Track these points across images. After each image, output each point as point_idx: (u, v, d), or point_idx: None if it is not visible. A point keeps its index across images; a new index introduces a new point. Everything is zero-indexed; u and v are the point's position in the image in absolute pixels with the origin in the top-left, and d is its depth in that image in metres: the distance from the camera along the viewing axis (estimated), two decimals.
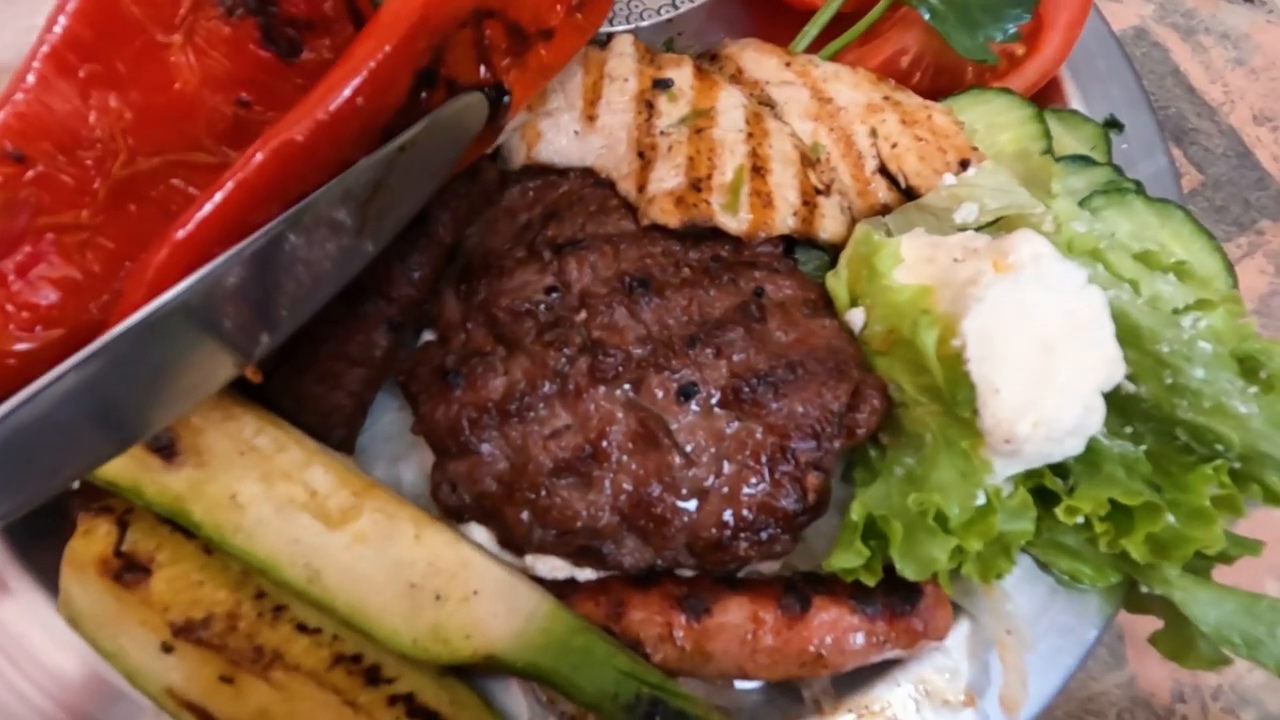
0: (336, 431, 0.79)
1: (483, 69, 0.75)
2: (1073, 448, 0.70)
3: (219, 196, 0.57)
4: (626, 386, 0.75)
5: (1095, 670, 0.90)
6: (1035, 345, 0.68)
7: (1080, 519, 0.71)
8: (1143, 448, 0.78)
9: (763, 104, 0.98)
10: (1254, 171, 1.21)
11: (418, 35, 0.63)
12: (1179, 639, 0.76)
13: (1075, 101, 1.05)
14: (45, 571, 0.69)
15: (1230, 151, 1.22)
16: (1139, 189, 0.93)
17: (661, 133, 0.89)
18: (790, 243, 0.91)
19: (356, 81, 0.59)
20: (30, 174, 0.59)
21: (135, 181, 0.63)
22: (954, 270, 0.75)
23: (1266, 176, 1.21)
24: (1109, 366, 0.68)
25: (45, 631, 0.67)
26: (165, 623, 0.62)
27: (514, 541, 0.76)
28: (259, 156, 0.57)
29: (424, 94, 0.68)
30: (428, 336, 0.86)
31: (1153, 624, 0.78)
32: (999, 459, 0.69)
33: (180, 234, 0.57)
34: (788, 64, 1.00)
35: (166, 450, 0.66)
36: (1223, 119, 1.24)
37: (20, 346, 0.60)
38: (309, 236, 0.58)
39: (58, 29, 0.59)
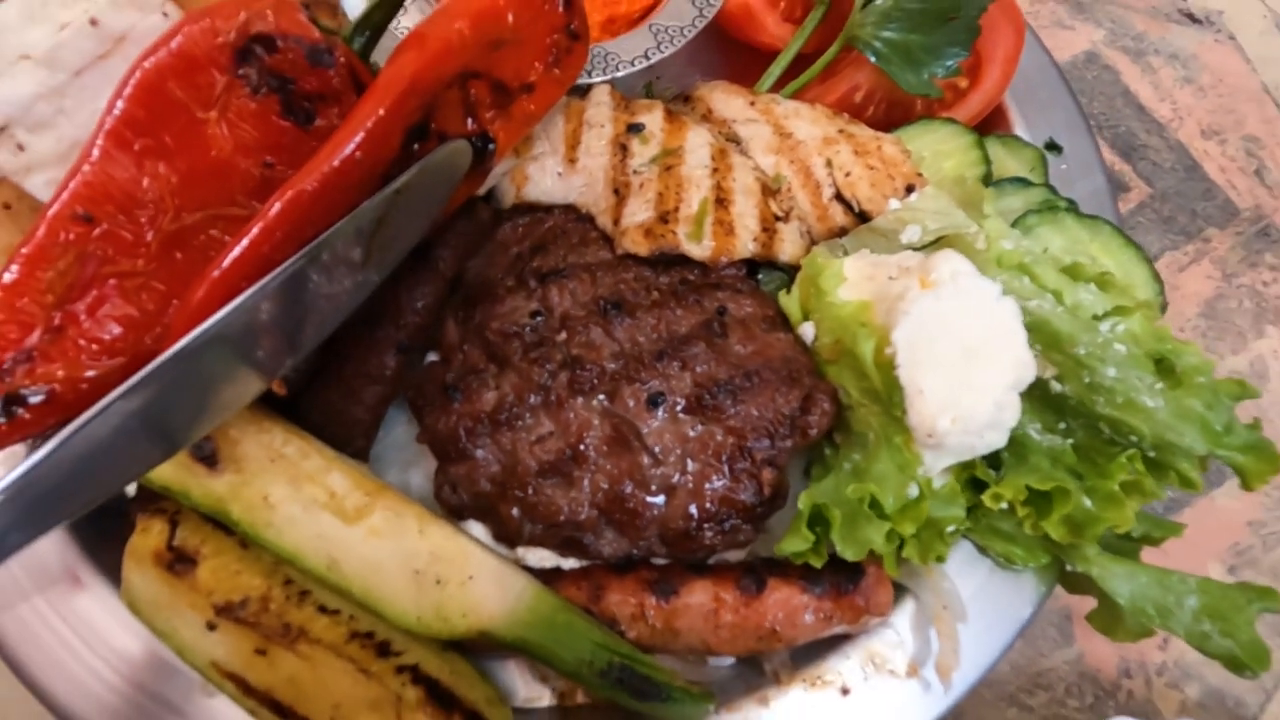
0: (355, 441, 0.91)
1: (470, 121, 0.87)
2: (993, 440, 0.79)
3: (245, 240, 0.69)
4: (602, 397, 0.86)
5: (1045, 648, 0.98)
6: (956, 351, 0.78)
7: (1005, 504, 0.80)
8: (1070, 441, 0.86)
9: (730, 140, 1.09)
10: (1201, 183, 1.29)
11: (408, 98, 0.75)
12: (1108, 614, 0.84)
13: (1019, 127, 1.15)
14: (110, 567, 0.81)
15: (1179, 165, 1.30)
16: (1071, 206, 1.02)
17: (634, 171, 1.01)
18: (753, 265, 1.01)
19: (357, 139, 0.71)
20: (96, 231, 0.72)
21: (181, 234, 0.75)
22: (889, 287, 0.85)
23: (1214, 187, 1.29)
24: (1019, 369, 0.78)
25: (113, 617, 0.79)
26: (209, 605, 0.73)
27: (507, 535, 0.87)
28: (278, 205, 0.69)
29: (416, 145, 0.80)
30: (432, 357, 0.97)
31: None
32: (927, 452, 0.79)
33: (215, 273, 0.69)
34: (752, 103, 1.11)
35: (210, 459, 0.78)
36: (1171, 134, 1.33)
37: (90, 373, 0.72)
38: (324, 269, 0.69)
39: (116, 110, 0.71)
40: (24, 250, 0.71)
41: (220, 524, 0.79)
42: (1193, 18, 1.38)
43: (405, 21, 1.03)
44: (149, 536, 0.77)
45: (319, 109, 0.77)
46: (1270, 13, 1.40)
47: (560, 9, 0.89)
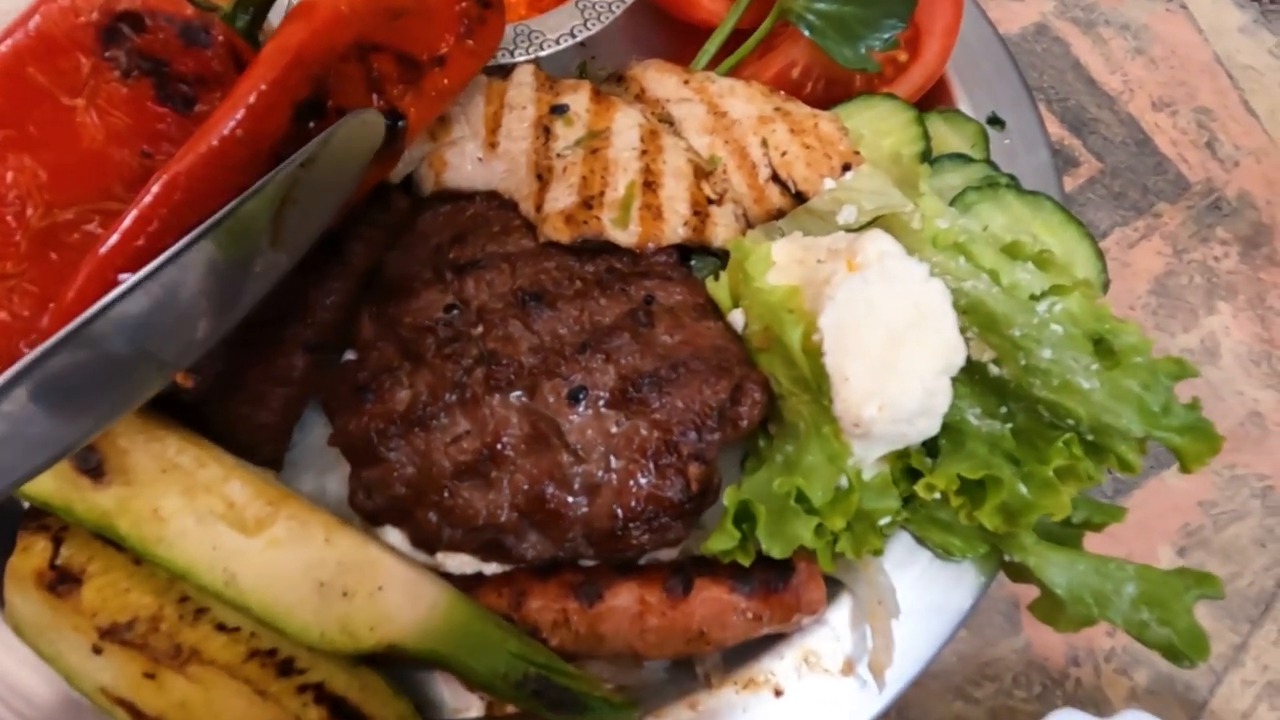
0: (264, 448, 0.86)
1: (376, 97, 0.82)
2: (926, 428, 0.76)
3: (120, 230, 0.63)
4: (520, 393, 0.82)
5: (992, 636, 0.96)
6: (882, 336, 0.74)
7: (938, 494, 0.77)
8: (1010, 426, 0.83)
9: (664, 121, 1.05)
10: (1152, 157, 1.26)
11: (293, 70, 0.69)
12: (1050, 603, 0.81)
13: (962, 101, 1.11)
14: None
15: (1129, 139, 1.28)
16: (1012, 182, 0.99)
17: (558, 155, 0.96)
18: (687, 250, 0.97)
19: (236, 117, 0.65)
20: None
21: (54, 231, 0.70)
22: (817, 271, 0.82)
23: (1165, 161, 1.26)
24: (949, 353, 0.74)
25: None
26: (94, 627, 0.68)
27: (425, 540, 0.82)
28: (154, 190, 0.64)
29: (312, 123, 0.74)
30: (349, 356, 0.93)
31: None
32: (856, 442, 0.75)
33: (88, 269, 0.64)
34: (686, 81, 1.06)
35: (95, 470, 0.73)
36: (1122, 108, 1.30)
37: None
38: (225, 248, 0.64)
39: None
40: None
41: (111, 540, 0.74)
42: None
43: None
44: (30, 556, 0.72)
45: (199, 93, 0.71)
46: None
47: None
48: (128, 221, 0.64)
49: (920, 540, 0.85)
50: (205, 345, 0.66)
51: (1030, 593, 0.82)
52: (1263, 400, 1.09)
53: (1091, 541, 0.82)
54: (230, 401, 0.83)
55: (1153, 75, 1.32)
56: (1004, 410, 0.84)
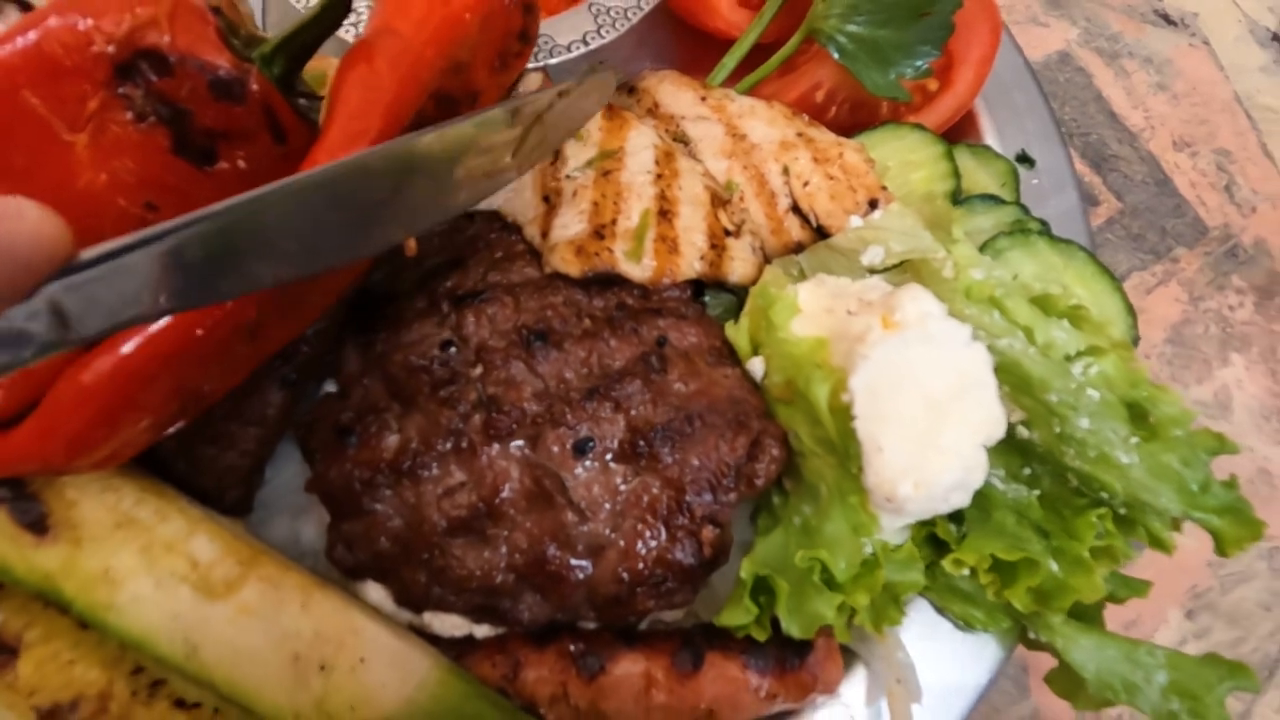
0: (232, 492, 0.78)
1: None
2: (958, 501, 0.71)
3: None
4: (521, 443, 0.75)
5: (999, 702, 0.92)
6: (921, 404, 0.69)
7: (966, 570, 0.73)
8: (1037, 491, 0.79)
9: (678, 140, 0.98)
10: (1171, 199, 1.23)
11: (387, 130, 0.60)
12: (1069, 679, 0.78)
13: (990, 135, 1.06)
14: None
15: (1149, 179, 1.24)
16: (1044, 229, 0.94)
17: (567, 176, 0.89)
18: (699, 284, 0.91)
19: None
20: None
21: None
22: (848, 324, 0.76)
23: (1184, 204, 1.23)
24: (990, 425, 0.69)
25: None
26: (31, 708, 0.60)
27: (411, 600, 0.75)
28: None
29: None
30: (329, 388, 0.84)
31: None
32: (884, 514, 0.70)
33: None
34: (704, 98, 0.99)
35: (37, 524, 0.64)
36: (1143, 145, 1.26)
37: None
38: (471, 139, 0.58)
39: None
40: None
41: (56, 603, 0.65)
42: (1168, 19, 1.31)
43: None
44: None
45: (221, 148, 0.60)
46: (1245, 18, 1.33)
47: (520, 14, 0.75)
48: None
49: (940, 610, 0.80)
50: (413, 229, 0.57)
51: (1038, 659, 0.79)
52: (1272, 458, 1.07)
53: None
54: (193, 441, 0.75)
55: (1174, 112, 1.29)
56: (1027, 473, 0.80)
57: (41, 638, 0.64)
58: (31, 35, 0.53)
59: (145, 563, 0.66)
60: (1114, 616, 0.79)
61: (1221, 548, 0.73)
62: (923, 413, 0.68)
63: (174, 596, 0.65)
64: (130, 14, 0.55)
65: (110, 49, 0.54)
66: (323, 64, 0.84)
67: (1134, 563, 0.90)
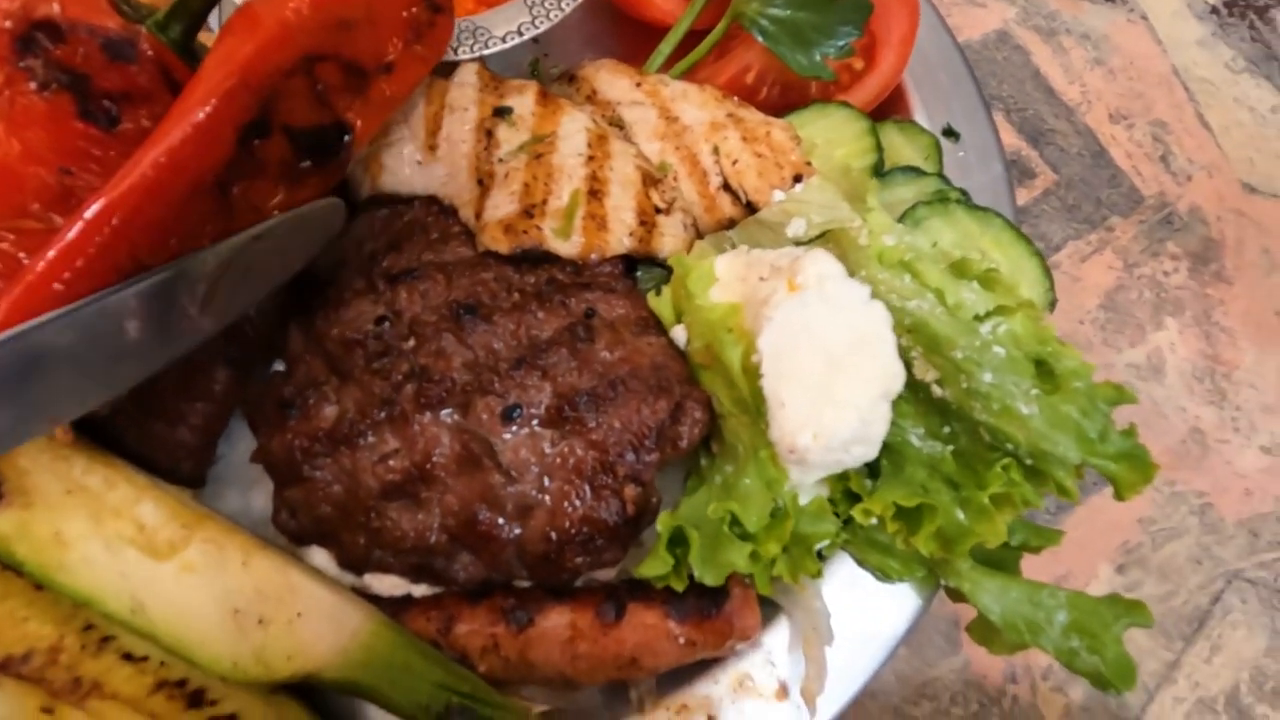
0: (184, 465, 0.82)
1: (320, 109, 0.78)
2: (862, 454, 0.75)
3: (44, 262, 0.59)
4: (451, 410, 0.79)
5: (932, 657, 0.96)
6: (820, 360, 0.73)
7: (874, 519, 0.76)
8: (951, 447, 0.83)
9: (614, 125, 1.02)
10: (1107, 170, 1.26)
11: (239, 93, 0.65)
12: (986, 627, 0.81)
13: (918, 112, 1.10)
14: None
15: (1085, 151, 1.27)
16: (963, 198, 0.97)
17: (500, 160, 0.93)
18: (633, 262, 0.95)
19: (176, 141, 0.61)
20: None
21: None
22: (759, 289, 0.80)
23: (1119, 174, 1.26)
24: (887, 379, 0.73)
25: None
26: None
27: (353, 562, 0.80)
28: (83, 220, 0.59)
29: (256, 142, 0.70)
30: (278, 367, 0.89)
31: None
32: (794, 467, 0.74)
33: (12, 293, 0.59)
34: (639, 84, 1.03)
35: None
36: (1079, 119, 1.29)
37: None
38: (151, 303, 0.60)
39: None
40: None
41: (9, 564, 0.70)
42: None
43: None
44: None
45: (124, 110, 0.66)
46: None
47: None
48: (57, 248, 0.59)
49: (860, 562, 0.84)
50: (98, 401, 0.62)
51: (971, 612, 0.82)
52: (1204, 417, 1.10)
53: (1034, 559, 0.82)
54: (145, 418, 0.79)
55: (1111, 86, 1.32)
56: (947, 430, 0.83)
57: None
58: None
59: (94, 527, 0.70)
60: (1045, 571, 0.82)
61: (1119, 491, 0.76)
62: (821, 368, 0.71)
63: (121, 558, 0.69)
64: None
65: (8, 24, 0.59)
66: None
67: (1065, 520, 0.94)
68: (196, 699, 0.67)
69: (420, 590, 0.80)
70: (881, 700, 0.92)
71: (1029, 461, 0.79)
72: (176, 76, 0.69)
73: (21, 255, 0.67)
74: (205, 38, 0.74)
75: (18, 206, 0.65)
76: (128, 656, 0.69)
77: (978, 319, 0.83)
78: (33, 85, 0.62)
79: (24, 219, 0.66)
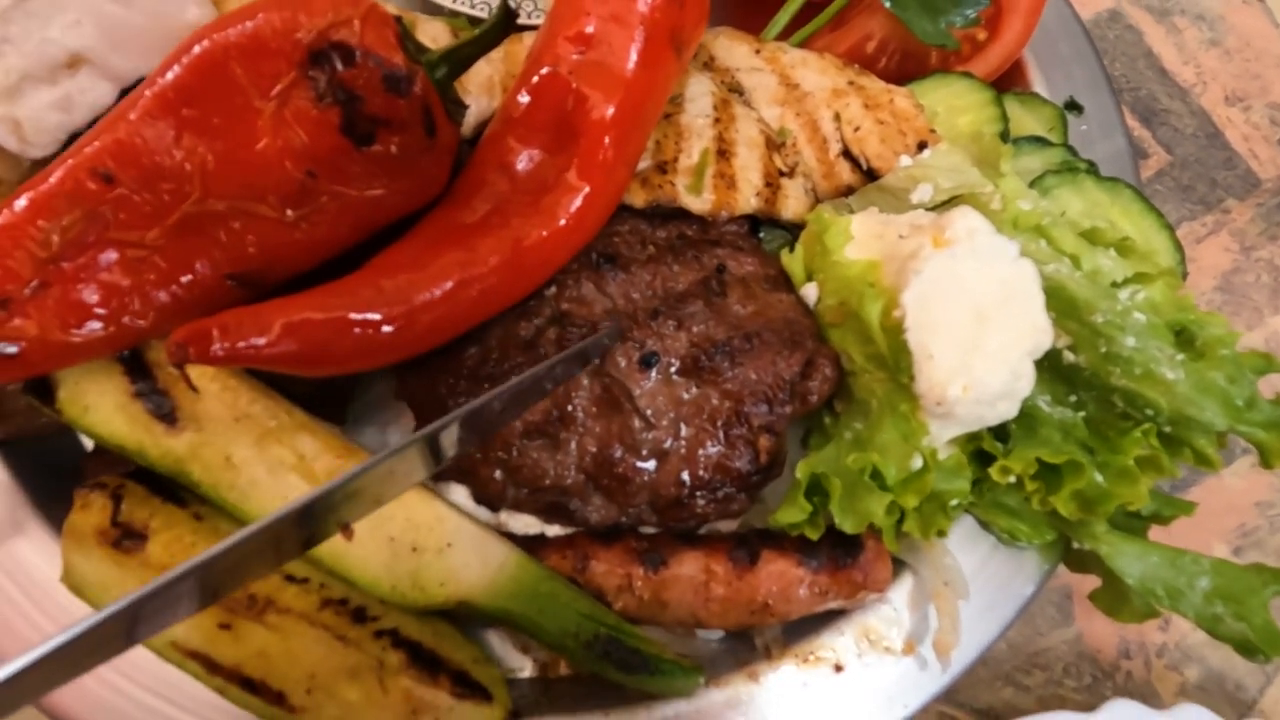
0: (328, 403, 0.86)
1: None
2: (1005, 411, 0.75)
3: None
4: None
5: (1043, 627, 0.95)
6: (969, 314, 0.73)
7: (1013, 478, 0.76)
8: (1082, 414, 0.82)
9: (733, 90, 1.03)
10: (1222, 151, 1.24)
11: None
12: (1113, 594, 0.81)
13: (1038, 84, 1.09)
14: (58, 522, 0.76)
15: (1200, 132, 1.25)
16: (1091, 168, 0.96)
17: None
18: (755, 222, 0.96)
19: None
20: (114, 194, 0.66)
21: (201, 218, 0.69)
22: (899, 246, 0.80)
23: (1235, 156, 1.24)
24: (1036, 335, 0.73)
25: (57, 569, 0.74)
26: None
27: (489, 499, 0.82)
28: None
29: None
30: None
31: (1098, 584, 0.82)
32: (935, 421, 0.74)
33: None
34: (757, 51, 1.04)
35: (168, 416, 0.72)
36: (1194, 100, 1.27)
37: (63, 339, 0.66)
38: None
39: (170, 75, 0.66)
40: (30, 194, 0.65)
41: (170, 498, 0.73)
42: None
43: None
44: (90, 513, 0.71)
45: (379, 133, 0.69)
46: None
47: None
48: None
49: (985, 525, 0.84)
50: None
51: (1083, 584, 0.82)
52: None
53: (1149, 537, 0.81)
54: None
55: (1226, 68, 1.29)
56: (1074, 398, 0.83)
57: (164, 525, 0.72)
58: (252, 22, 0.65)
59: (259, 453, 0.73)
60: None
61: (1267, 459, 0.75)
62: (970, 321, 0.72)
63: (284, 483, 0.73)
64: (334, 11, 0.65)
65: (310, 37, 0.64)
66: (411, 17, 0.92)
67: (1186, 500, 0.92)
68: (359, 615, 0.70)
69: (553, 531, 0.82)
70: (993, 667, 0.92)
71: (1167, 429, 0.78)
72: (433, 112, 0.72)
73: (249, 236, 0.70)
74: None
75: (258, 192, 0.69)
76: (290, 578, 0.72)
77: (1115, 285, 0.82)
78: (311, 94, 0.67)
79: (260, 205, 0.69)
